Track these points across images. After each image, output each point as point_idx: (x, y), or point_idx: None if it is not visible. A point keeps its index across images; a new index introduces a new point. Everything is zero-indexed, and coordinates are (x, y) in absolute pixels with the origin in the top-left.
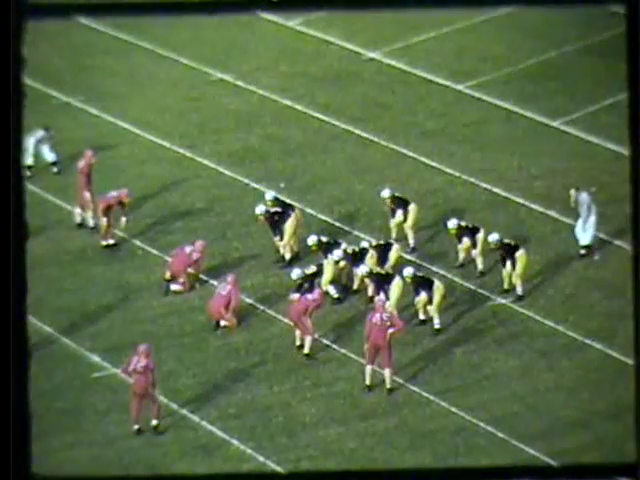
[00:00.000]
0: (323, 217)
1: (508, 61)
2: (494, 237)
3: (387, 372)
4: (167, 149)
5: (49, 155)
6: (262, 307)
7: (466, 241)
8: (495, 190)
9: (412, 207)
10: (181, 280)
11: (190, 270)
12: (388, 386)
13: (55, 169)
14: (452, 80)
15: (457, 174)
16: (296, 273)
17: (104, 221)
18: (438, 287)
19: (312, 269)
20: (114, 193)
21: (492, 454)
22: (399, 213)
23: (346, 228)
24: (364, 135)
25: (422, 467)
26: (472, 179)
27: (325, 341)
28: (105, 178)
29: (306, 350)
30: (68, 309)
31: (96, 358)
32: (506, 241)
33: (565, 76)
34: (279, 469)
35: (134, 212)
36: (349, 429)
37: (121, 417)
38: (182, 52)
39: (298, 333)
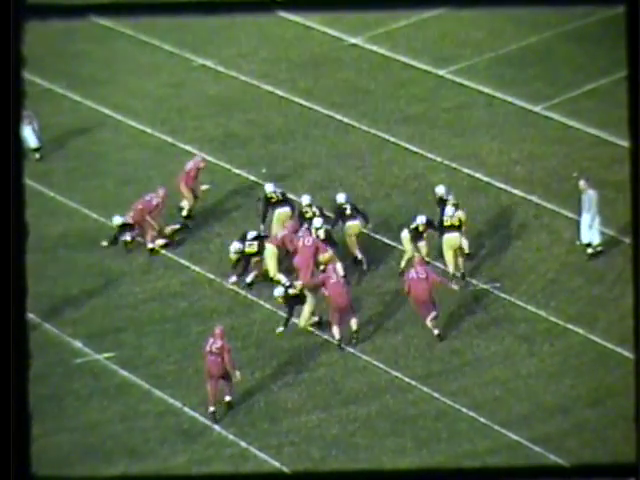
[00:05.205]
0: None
1: (489, 46)
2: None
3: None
4: (148, 135)
5: (32, 140)
6: (244, 293)
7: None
8: (476, 175)
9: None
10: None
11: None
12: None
13: (37, 155)
14: (433, 65)
15: (438, 159)
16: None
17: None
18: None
19: (254, 248)
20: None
21: (473, 439)
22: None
23: (328, 213)
24: (345, 120)
25: (423, 467)
26: (453, 164)
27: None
28: (87, 164)
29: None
30: (50, 295)
31: (78, 344)
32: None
33: (546, 61)
34: (261, 455)
35: (115, 198)
36: (331, 415)
37: (103, 403)
38: (163, 38)
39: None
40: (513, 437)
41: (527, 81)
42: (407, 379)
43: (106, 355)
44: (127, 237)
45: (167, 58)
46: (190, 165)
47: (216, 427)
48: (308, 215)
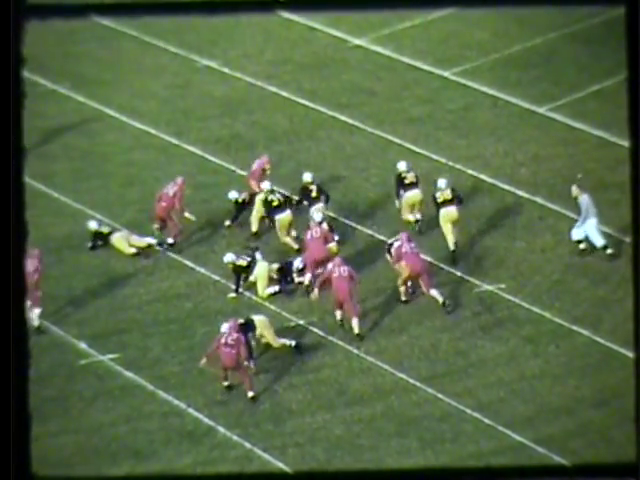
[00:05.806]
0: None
1: (494, 48)
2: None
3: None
4: (153, 136)
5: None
6: (247, 293)
7: None
8: (481, 176)
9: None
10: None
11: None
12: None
13: None
14: (438, 67)
15: (443, 160)
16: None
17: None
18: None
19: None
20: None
21: (478, 440)
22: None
23: (332, 215)
24: (350, 122)
25: (426, 467)
26: (458, 165)
27: (311, 327)
28: (91, 165)
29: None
30: (54, 296)
31: (83, 345)
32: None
33: (551, 63)
34: (265, 456)
35: (120, 199)
36: (335, 415)
37: (107, 404)
38: (168, 39)
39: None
40: (517, 438)
41: (532, 82)
42: (412, 380)
43: (110, 356)
44: (99, 243)
45: (172, 59)
46: (255, 166)
47: (220, 428)
48: (275, 204)
